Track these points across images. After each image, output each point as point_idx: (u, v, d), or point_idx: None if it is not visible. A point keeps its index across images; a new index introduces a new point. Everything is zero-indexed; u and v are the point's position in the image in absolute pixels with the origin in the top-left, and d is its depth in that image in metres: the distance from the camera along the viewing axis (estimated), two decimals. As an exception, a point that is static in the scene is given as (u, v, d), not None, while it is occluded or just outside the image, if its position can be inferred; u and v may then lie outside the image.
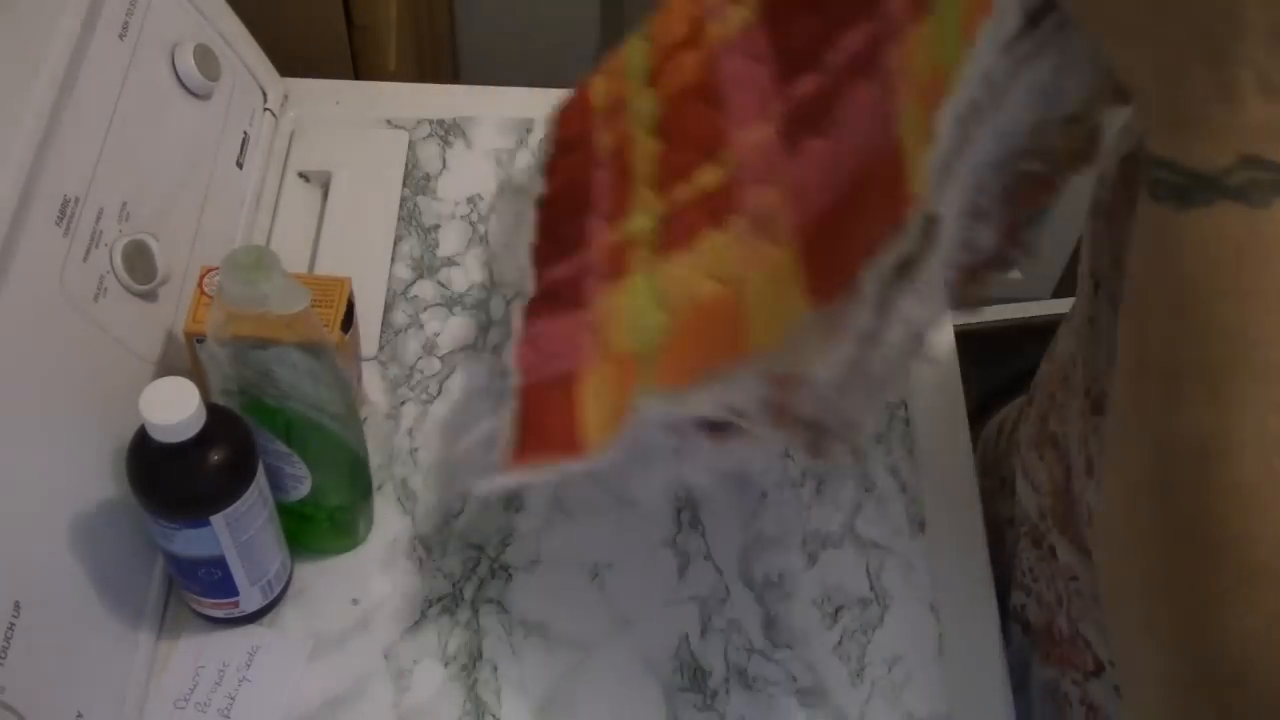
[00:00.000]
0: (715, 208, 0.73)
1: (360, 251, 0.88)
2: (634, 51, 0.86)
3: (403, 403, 0.81)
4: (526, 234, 0.82)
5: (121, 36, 0.74)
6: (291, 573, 0.72)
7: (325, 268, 0.86)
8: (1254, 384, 0.37)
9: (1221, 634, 0.37)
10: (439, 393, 0.82)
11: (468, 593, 0.73)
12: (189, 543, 0.63)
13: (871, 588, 0.75)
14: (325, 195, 0.92)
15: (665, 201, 0.77)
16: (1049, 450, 0.70)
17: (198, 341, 0.70)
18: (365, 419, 0.79)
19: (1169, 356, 0.39)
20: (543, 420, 0.69)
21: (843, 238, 0.62)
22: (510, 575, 0.74)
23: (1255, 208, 0.37)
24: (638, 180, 0.80)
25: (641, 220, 0.77)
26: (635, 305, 0.72)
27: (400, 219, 0.91)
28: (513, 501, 0.77)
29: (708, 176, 0.75)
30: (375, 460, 0.77)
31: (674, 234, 0.74)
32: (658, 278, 0.72)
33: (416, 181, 0.94)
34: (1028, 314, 1.06)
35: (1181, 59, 0.37)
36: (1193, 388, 0.38)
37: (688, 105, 0.80)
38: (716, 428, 0.64)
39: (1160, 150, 0.39)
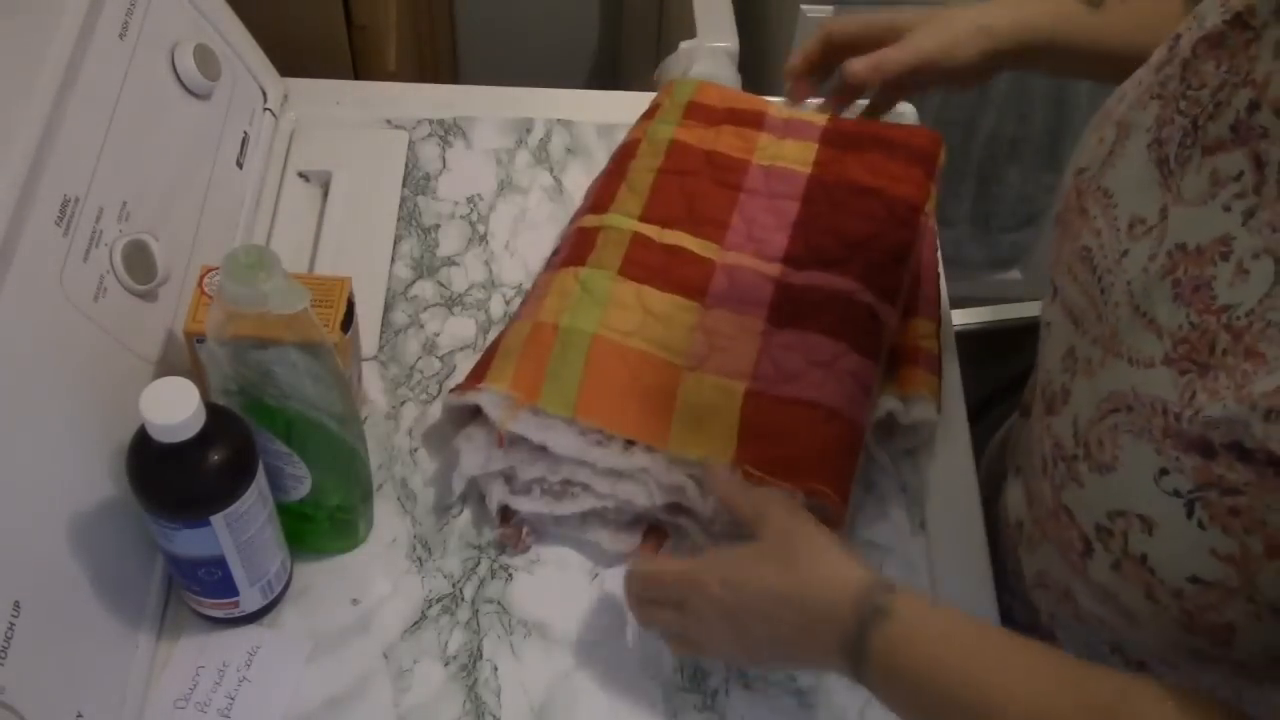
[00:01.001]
0: (674, 270, 0.81)
1: (360, 251, 0.88)
2: (685, 88, 0.95)
3: (403, 403, 0.81)
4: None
5: (121, 36, 0.74)
6: (291, 573, 0.72)
7: (325, 268, 0.86)
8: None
9: None
10: (439, 393, 0.82)
11: (468, 593, 0.73)
12: (189, 543, 0.63)
13: (871, 588, 0.75)
14: (325, 195, 0.92)
15: (640, 218, 0.85)
16: (1027, 453, 0.71)
17: (198, 341, 0.70)
18: (365, 419, 0.79)
19: None
20: (484, 355, 0.79)
21: (780, 447, 0.73)
22: (510, 575, 0.74)
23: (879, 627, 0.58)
24: (629, 182, 0.85)
25: (616, 220, 0.85)
26: (579, 292, 0.80)
27: (400, 219, 0.91)
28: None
29: (680, 238, 0.84)
30: (375, 460, 0.77)
31: (634, 260, 0.82)
32: (609, 286, 0.80)
33: (416, 181, 0.94)
34: (1028, 314, 1.06)
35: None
36: None
37: (702, 165, 0.89)
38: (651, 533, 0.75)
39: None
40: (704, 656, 0.70)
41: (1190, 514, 0.53)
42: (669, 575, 0.66)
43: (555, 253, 0.87)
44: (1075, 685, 0.53)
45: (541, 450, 0.73)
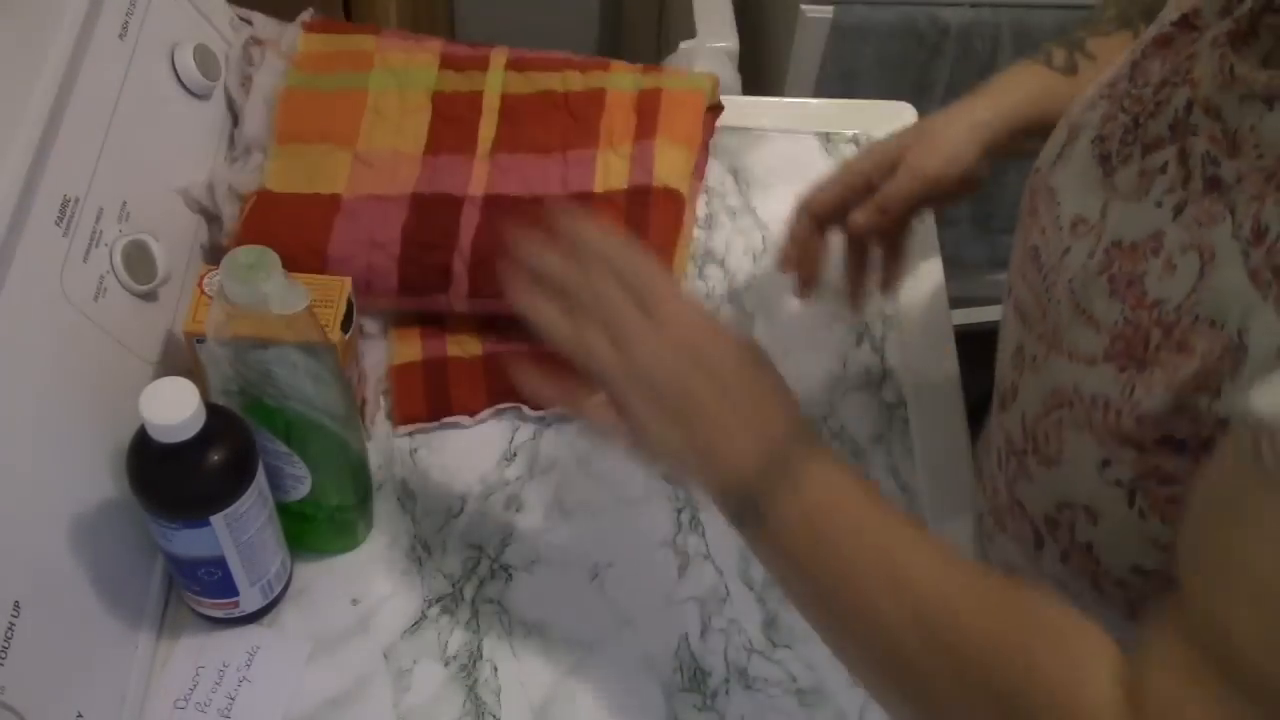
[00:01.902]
0: None
1: (360, 251, 0.88)
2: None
3: (403, 403, 0.81)
4: None
5: (121, 36, 0.74)
6: (291, 573, 0.72)
7: (325, 268, 0.86)
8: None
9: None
10: (439, 393, 0.82)
11: (468, 593, 0.73)
12: (189, 543, 0.63)
13: (871, 588, 0.75)
14: (325, 195, 0.91)
15: None
16: (986, 450, 0.72)
17: (198, 341, 0.70)
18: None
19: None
20: None
21: None
22: (510, 575, 0.74)
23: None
24: None
25: None
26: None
27: (400, 219, 0.91)
28: (513, 501, 0.77)
29: None
30: (375, 460, 0.77)
31: None
32: None
33: (416, 181, 0.93)
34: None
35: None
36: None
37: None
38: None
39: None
40: (609, 422, 0.57)
41: (1131, 503, 0.54)
42: (635, 260, 0.57)
43: None
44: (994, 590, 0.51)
45: None
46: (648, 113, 0.86)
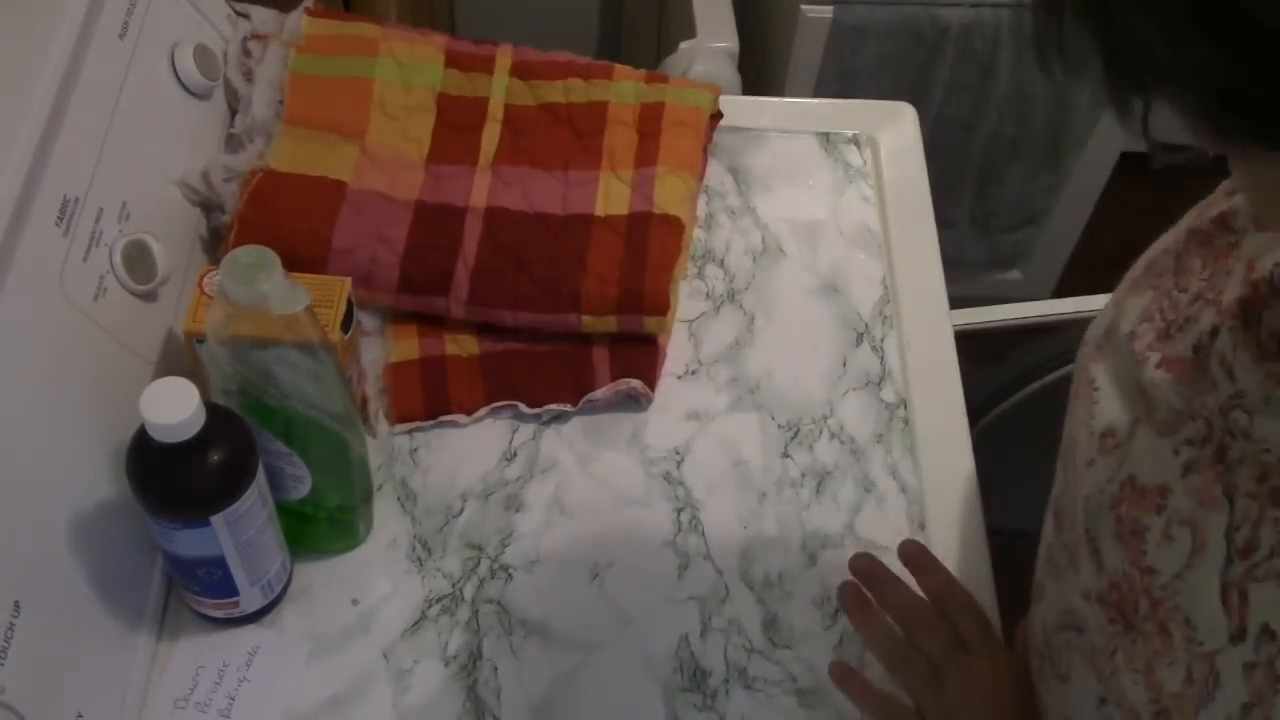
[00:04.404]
0: None
1: (360, 251, 0.88)
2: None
3: (403, 403, 0.81)
4: None
5: (121, 36, 0.74)
6: (291, 573, 0.72)
7: (325, 268, 0.86)
8: None
9: None
10: (439, 393, 0.82)
11: (468, 593, 0.73)
12: (189, 543, 0.63)
13: (871, 588, 0.75)
14: (325, 195, 0.91)
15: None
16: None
17: (198, 341, 0.70)
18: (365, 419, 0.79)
19: None
20: None
21: None
22: (510, 575, 0.74)
23: None
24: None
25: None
26: None
27: (400, 219, 0.91)
28: (512, 501, 0.77)
29: None
30: (375, 460, 0.77)
31: None
32: None
33: (416, 181, 0.93)
34: (1028, 314, 1.06)
35: None
36: None
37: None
38: None
39: None
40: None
41: None
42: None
43: None
44: None
45: None
46: (649, 134, 0.87)
